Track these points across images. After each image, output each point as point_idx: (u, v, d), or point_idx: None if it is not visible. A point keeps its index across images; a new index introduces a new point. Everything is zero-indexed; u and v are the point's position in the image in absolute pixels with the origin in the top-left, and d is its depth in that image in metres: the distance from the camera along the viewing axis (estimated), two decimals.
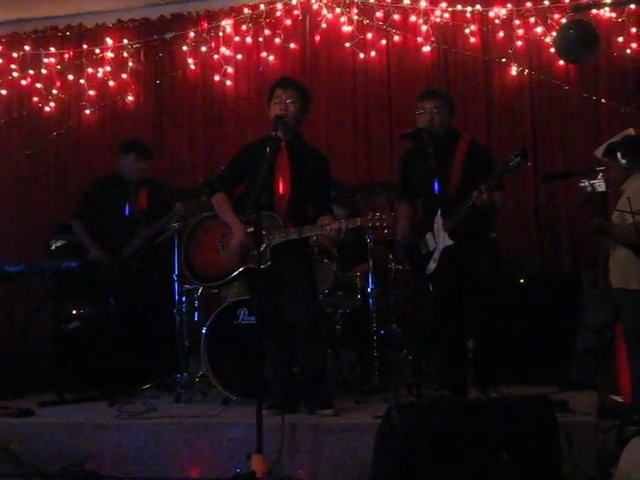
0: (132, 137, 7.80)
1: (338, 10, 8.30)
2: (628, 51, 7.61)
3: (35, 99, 8.88)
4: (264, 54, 8.48)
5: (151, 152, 7.37)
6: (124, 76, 8.76)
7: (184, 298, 6.74)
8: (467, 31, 8.02)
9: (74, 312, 7.15)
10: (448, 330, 5.80)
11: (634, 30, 7.64)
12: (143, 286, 6.88)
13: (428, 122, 5.75)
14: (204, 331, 6.20)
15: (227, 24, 8.53)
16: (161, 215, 6.76)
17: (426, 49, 8.11)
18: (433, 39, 8.08)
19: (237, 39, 8.53)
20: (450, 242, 5.59)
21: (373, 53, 8.25)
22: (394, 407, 4.45)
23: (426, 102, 5.83)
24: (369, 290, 6.56)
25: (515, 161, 5.37)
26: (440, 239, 5.67)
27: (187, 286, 6.72)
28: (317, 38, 8.42)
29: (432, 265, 5.71)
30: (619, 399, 6.07)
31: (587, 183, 6.63)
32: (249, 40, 8.52)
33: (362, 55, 8.27)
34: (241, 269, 5.48)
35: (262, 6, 8.45)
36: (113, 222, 7.05)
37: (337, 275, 6.58)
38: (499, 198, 5.59)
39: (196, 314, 6.84)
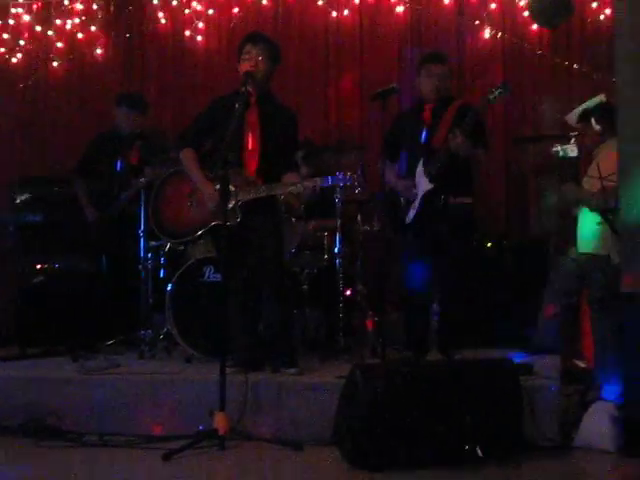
0: (128, 91, 7.65)
1: None
2: (602, 17, 7.56)
3: (2, 50, 8.72)
4: (235, 10, 8.37)
5: (145, 104, 7.25)
6: (93, 29, 8.61)
7: (150, 254, 6.67)
8: None
9: (38, 267, 7.09)
10: (416, 288, 5.84)
11: None
12: (121, 243, 6.86)
13: (434, 87, 5.80)
14: (169, 288, 6.17)
15: None
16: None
17: (399, 9, 8.03)
18: None
19: None
20: (430, 186, 5.70)
21: (346, 12, 8.16)
22: (357, 368, 4.47)
23: (432, 65, 5.87)
24: (336, 250, 6.53)
25: (495, 93, 5.49)
26: (420, 185, 5.73)
27: (153, 242, 6.65)
28: None
29: (412, 213, 5.81)
30: (582, 364, 6.13)
31: (559, 148, 6.64)
32: None
33: (335, 13, 8.17)
34: (211, 225, 5.45)
35: None
36: (106, 178, 6.97)
37: (304, 234, 6.55)
38: (481, 153, 5.80)
39: (162, 271, 6.77)
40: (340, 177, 5.24)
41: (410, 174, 5.89)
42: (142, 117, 7.14)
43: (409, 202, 5.85)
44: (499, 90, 5.62)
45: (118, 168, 6.89)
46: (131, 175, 6.74)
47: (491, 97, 5.62)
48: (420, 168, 5.78)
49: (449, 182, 5.71)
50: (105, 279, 6.83)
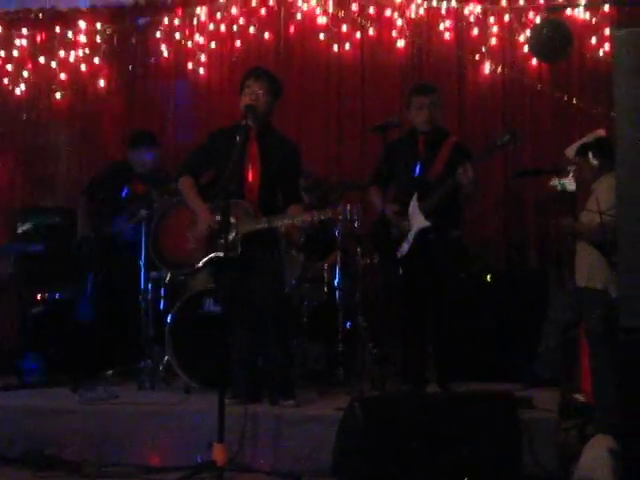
0: (139, 129, 7.67)
1: (313, 1, 8.25)
2: (601, 52, 7.61)
3: (5, 81, 8.77)
4: (238, 43, 8.43)
5: (150, 140, 7.31)
6: (96, 61, 8.66)
7: (150, 285, 6.69)
8: (442, 27, 8.00)
9: (39, 297, 7.11)
10: (411, 322, 5.87)
11: (607, 31, 7.63)
12: (120, 270, 6.89)
13: (427, 117, 5.84)
14: (169, 319, 6.18)
15: (202, 12, 8.47)
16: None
17: (400, 44, 8.08)
18: (408, 34, 8.05)
19: (211, 27, 8.46)
20: (427, 223, 5.69)
21: (347, 46, 8.21)
22: (356, 400, 4.49)
23: (422, 97, 5.90)
24: (336, 283, 6.56)
25: (503, 139, 5.52)
26: (415, 221, 5.75)
27: (154, 273, 6.67)
28: (292, 29, 8.36)
29: (405, 247, 5.82)
30: (581, 398, 6.12)
31: (557, 182, 6.68)
32: (223, 28, 8.45)
33: (336, 47, 8.23)
34: (211, 256, 5.47)
35: None
36: (109, 202, 7.05)
37: (304, 267, 6.58)
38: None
39: (162, 302, 6.78)
40: (340, 210, 5.24)
41: (399, 204, 5.91)
42: (156, 155, 7.26)
43: (400, 235, 5.87)
44: (508, 137, 5.64)
45: (124, 194, 6.95)
46: (135, 203, 6.78)
47: (499, 143, 5.66)
48: (414, 203, 5.81)
49: (443, 216, 5.75)
50: (104, 308, 6.84)
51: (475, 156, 5.76)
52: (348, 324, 6.63)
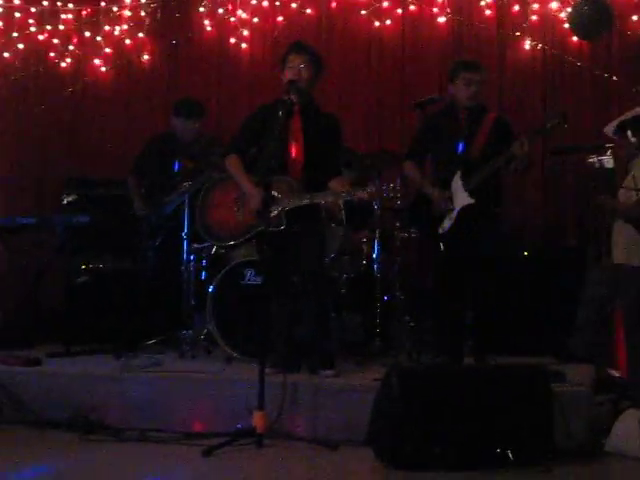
0: (184, 97, 7.69)
1: None
2: None
3: (52, 55, 8.88)
4: (280, 18, 8.49)
5: (201, 110, 7.41)
6: (141, 35, 8.76)
7: (192, 257, 6.82)
8: (482, 3, 8.01)
9: (83, 267, 7.24)
10: (450, 296, 5.92)
11: None
12: (168, 241, 7.02)
13: (474, 94, 5.87)
14: (211, 289, 6.31)
15: None
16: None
17: (441, 20, 8.11)
18: (448, 10, 8.08)
19: (254, 2, 8.51)
20: (471, 200, 5.73)
21: (388, 22, 8.24)
22: (393, 371, 4.58)
23: (472, 73, 5.92)
24: (374, 256, 6.64)
25: (553, 122, 5.55)
26: (459, 199, 5.78)
27: (196, 245, 6.79)
28: (333, 5, 8.41)
29: (447, 223, 5.84)
30: (616, 373, 6.16)
31: (595, 159, 6.69)
32: (265, 4, 8.51)
33: (377, 23, 8.26)
34: (258, 230, 5.52)
35: None
36: (162, 178, 7.13)
37: (344, 240, 6.65)
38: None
39: (203, 273, 6.90)
40: (381, 189, 5.26)
41: (440, 181, 5.96)
42: (199, 124, 7.33)
43: (442, 211, 5.90)
44: (557, 120, 5.66)
45: (175, 169, 7.04)
46: (187, 178, 6.87)
47: (548, 125, 5.68)
48: (458, 180, 5.84)
49: (486, 195, 5.79)
50: (148, 277, 6.96)
51: (530, 132, 5.77)
52: (386, 297, 6.71)
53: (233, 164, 5.69)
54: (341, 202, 5.69)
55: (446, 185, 5.92)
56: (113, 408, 5.37)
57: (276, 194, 5.32)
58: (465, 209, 5.80)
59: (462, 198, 5.80)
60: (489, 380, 4.65)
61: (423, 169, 6.22)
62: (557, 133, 6.30)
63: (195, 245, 6.77)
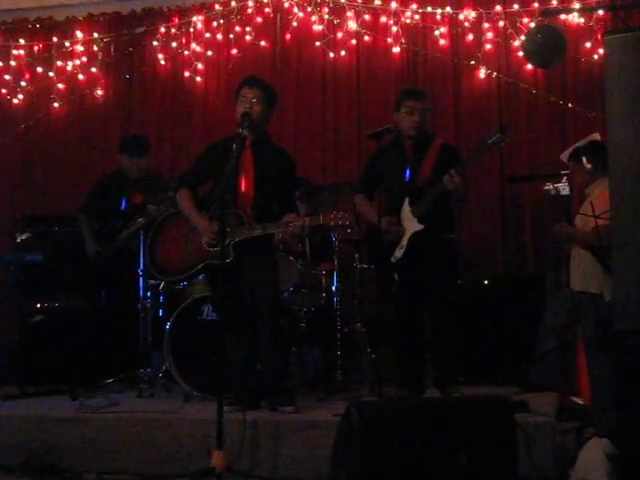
0: (130, 134, 7.74)
1: (309, 9, 8.30)
2: (595, 57, 7.63)
3: (3, 91, 8.83)
4: (234, 51, 8.48)
5: (147, 146, 7.34)
6: (94, 70, 8.72)
7: (149, 293, 6.72)
8: (437, 33, 8.04)
9: (38, 306, 7.14)
10: (406, 327, 5.87)
11: (601, 36, 7.68)
12: (120, 279, 6.96)
13: (417, 123, 5.83)
14: (168, 326, 6.21)
15: (198, 20, 8.53)
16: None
17: (396, 50, 8.13)
18: (403, 40, 8.09)
19: (208, 35, 8.52)
20: (420, 226, 5.69)
21: (343, 52, 8.26)
22: (353, 406, 4.49)
23: (414, 101, 5.88)
24: (334, 289, 6.59)
25: (493, 138, 5.51)
26: (408, 226, 5.75)
27: (152, 281, 6.70)
28: (288, 36, 8.42)
29: (399, 252, 5.78)
30: (579, 401, 6.14)
31: (552, 186, 6.69)
32: (219, 37, 8.51)
33: (332, 54, 8.28)
34: (204, 264, 5.49)
35: (233, 3, 8.42)
36: (110, 216, 7.07)
37: (302, 273, 6.60)
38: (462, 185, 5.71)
39: (160, 310, 6.81)
40: (332, 216, 5.23)
41: (390, 212, 5.90)
42: (145, 161, 7.25)
43: (394, 241, 5.82)
44: (497, 135, 5.63)
45: (122, 207, 6.98)
46: (135, 214, 6.80)
47: (489, 141, 5.64)
48: (407, 208, 5.80)
49: (435, 220, 5.75)
50: (104, 316, 6.87)
51: (464, 159, 5.77)
52: (346, 329, 6.66)
53: (183, 197, 5.66)
54: (296, 234, 5.60)
55: (397, 214, 5.87)
56: (69, 450, 5.24)
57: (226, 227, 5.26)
58: (417, 236, 5.75)
59: (411, 225, 5.77)
60: (451, 412, 4.58)
61: (375, 201, 6.16)
62: (502, 148, 6.28)
63: (151, 282, 6.67)
